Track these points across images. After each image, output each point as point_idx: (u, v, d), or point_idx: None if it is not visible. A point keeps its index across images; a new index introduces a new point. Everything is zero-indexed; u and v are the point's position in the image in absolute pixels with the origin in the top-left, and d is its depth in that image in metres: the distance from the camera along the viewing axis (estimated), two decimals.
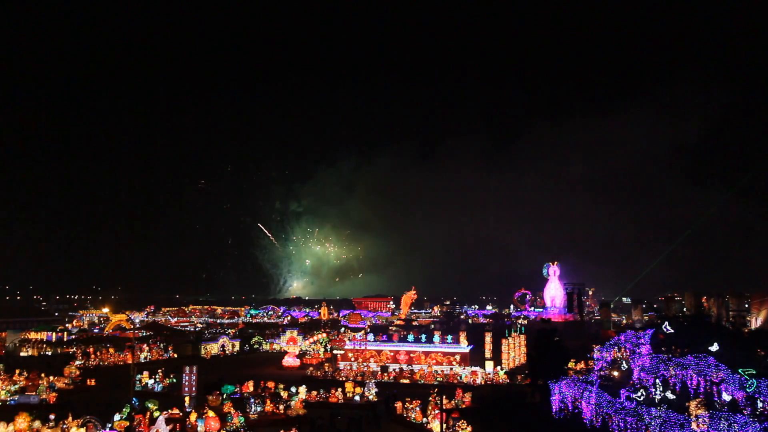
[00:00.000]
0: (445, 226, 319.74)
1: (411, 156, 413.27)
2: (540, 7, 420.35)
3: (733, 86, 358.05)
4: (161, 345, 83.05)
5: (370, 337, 69.82)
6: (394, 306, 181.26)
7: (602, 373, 50.91)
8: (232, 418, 39.50)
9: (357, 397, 49.88)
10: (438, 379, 60.52)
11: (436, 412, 39.19)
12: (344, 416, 40.93)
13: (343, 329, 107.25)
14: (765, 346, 55.29)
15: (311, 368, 66.99)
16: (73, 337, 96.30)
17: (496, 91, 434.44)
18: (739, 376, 35.80)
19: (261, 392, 49.41)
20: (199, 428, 38.43)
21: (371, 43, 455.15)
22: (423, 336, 68.75)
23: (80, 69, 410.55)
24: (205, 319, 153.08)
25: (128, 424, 37.19)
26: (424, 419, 40.86)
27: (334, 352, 74.91)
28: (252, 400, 43.87)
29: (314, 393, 49.94)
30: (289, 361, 73.36)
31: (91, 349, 78.29)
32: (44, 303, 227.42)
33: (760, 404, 34.05)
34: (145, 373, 57.40)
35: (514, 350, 71.05)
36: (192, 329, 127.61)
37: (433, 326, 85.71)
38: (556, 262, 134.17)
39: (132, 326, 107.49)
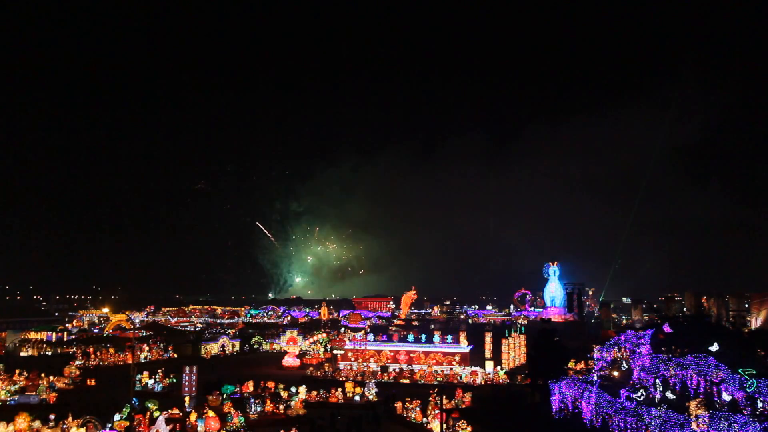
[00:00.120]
0: (445, 226, 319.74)
1: (411, 156, 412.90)
2: (540, 6, 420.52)
3: (733, 86, 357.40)
4: (161, 345, 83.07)
5: (370, 337, 69.84)
6: (394, 306, 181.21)
7: (602, 373, 50.94)
8: (232, 418, 39.51)
9: (357, 397, 49.88)
10: (438, 379, 60.53)
11: (436, 412, 39.19)
12: (344, 416, 40.94)
13: (343, 329, 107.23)
14: (765, 346, 55.38)
15: (311, 368, 67.00)
16: (73, 337, 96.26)
17: (496, 91, 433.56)
18: (739, 376, 35.82)
19: (261, 392, 49.40)
20: (199, 428, 38.43)
21: (371, 43, 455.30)
22: (423, 336, 68.76)
23: (80, 69, 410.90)
24: (205, 319, 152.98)
25: (128, 424, 37.19)
26: (424, 419, 40.86)
27: (334, 352, 74.92)
28: (252, 400, 43.87)
29: (314, 393, 49.94)
30: (289, 361, 73.38)
31: (91, 349, 78.32)
32: (44, 303, 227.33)
33: (760, 404, 34.07)
34: (145, 373, 57.40)
35: (514, 350, 71.06)
36: (192, 329, 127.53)
37: (433, 326, 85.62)
38: (556, 262, 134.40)
39: (132, 326, 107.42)
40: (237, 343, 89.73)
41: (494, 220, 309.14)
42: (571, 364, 60.00)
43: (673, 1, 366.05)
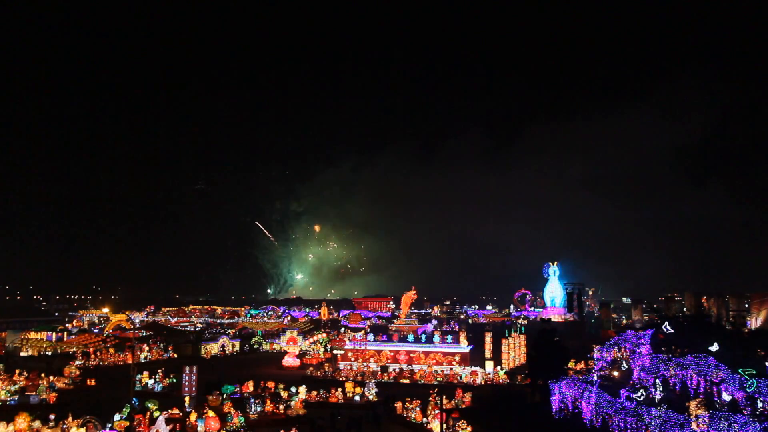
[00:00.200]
0: (445, 226, 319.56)
1: (411, 156, 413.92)
2: (540, 6, 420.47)
3: (733, 86, 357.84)
4: (161, 345, 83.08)
5: (370, 337, 69.87)
6: (394, 306, 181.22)
7: (602, 373, 50.98)
8: (232, 418, 39.51)
9: (357, 397, 49.88)
10: (438, 379, 60.52)
11: (436, 412, 39.19)
12: (344, 416, 40.94)
13: (343, 329, 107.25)
14: (765, 346, 55.38)
15: (311, 368, 67.00)
16: (73, 337, 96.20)
17: (496, 90, 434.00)
18: (739, 376, 35.85)
19: (261, 392, 49.41)
20: (199, 428, 38.43)
21: (371, 43, 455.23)
22: (423, 336, 68.75)
23: (80, 68, 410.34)
24: (205, 319, 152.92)
25: (128, 424, 37.18)
26: (424, 419, 40.86)
27: (334, 352, 74.93)
28: (252, 400, 43.86)
29: (314, 393, 49.93)
30: (289, 361, 73.40)
31: (91, 349, 78.32)
32: (44, 303, 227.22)
33: (760, 404, 34.09)
34: (145, 373, 57.40)
35: (514, 350, 71.05)
36: (192, 329, 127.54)
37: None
38: (556, 262, 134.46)
39: (132, 326, 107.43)
40: (237, 343, 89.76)
41: (494, 220, 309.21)
42: (571, 364, 59.97)
43: (673, 1, 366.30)
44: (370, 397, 49.70)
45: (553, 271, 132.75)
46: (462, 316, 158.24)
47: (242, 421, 39.93)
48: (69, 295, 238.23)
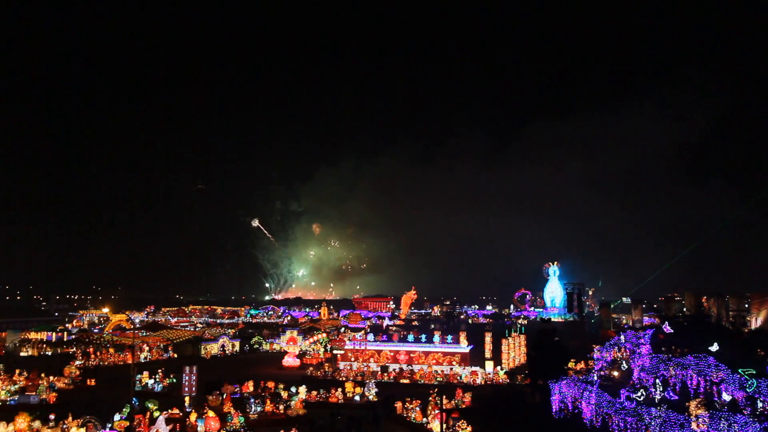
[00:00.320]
0: (445, 226, 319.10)
1: (411, 155, 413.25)
2: (540, 6, 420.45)
3: (733, 86, 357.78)
4: (161, 345, 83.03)
5: (370, 337, 69.86)
6: (394, 306, 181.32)
7: (602, 373, 51.04)
8: (232, 418, 39.50)
9: (357, 397, 49.88)
10: (438, 379, 60.53)
11: (436, 412, 39.19)
12: (344, 416, 40.92)
13: (343, 329, 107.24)
14: (765, 346, 55.35)
15: (311, 368, 66.99)
16: (73, 337, 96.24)
17: (497, 90, 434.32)
18: (739, 376, 35.84)
19: (261, 392, 49.40)
20: (199, 428, 38.43)
21: (371, 42, 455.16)
22: (423, 336, 68.76)
23: (79, 68, 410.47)
24: (205, 319, 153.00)
25: (128, 424, 37.17)
26: (424, 419, 40.86)
27: (334, 352, 74.93)
28: (252, 400, 43.86)
29: (314, 393, 49.92)
30: (289, 361, 73.39)
31: (91, 349, 78.31)
32: (44, 303, 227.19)
33: (760, 404, 34.07)
34: (145, 373, 57.40)
35: (514, 350, 71.03)
36: (192, 329, 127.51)
37: (433, 326, 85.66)
38: (556, 262, 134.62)
39: (132, 326, 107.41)
40: (237, 343, 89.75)
41: (494, 219, 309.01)
42: (571, 364, 59.95)
43: (673, 1, 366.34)
44: (370, 397, 49.69)
45: (553, 271, 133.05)
46: (462, 316, 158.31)
47: (242, 421, 39.92)
48: (69, 295, 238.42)
